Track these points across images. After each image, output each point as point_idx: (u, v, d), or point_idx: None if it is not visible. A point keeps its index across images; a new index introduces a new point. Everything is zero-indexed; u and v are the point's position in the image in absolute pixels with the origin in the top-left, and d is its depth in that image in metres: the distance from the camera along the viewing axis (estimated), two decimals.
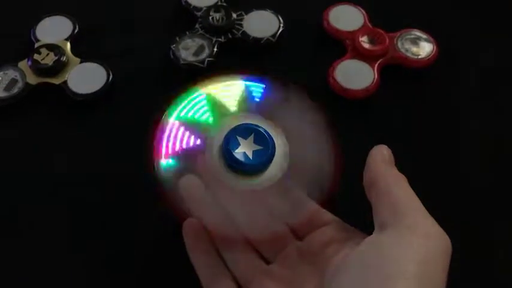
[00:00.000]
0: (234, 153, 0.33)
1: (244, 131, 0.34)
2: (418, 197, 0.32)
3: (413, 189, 0.32)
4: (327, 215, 0.36)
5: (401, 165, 0.34)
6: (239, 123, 0.34)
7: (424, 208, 0.31)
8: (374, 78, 0.47)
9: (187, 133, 0.35)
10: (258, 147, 0.33)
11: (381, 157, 0.34)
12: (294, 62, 0.50)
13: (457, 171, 0.44)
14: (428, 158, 0.45)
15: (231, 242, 0.35)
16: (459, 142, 0.46)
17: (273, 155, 0.34)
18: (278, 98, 0.36)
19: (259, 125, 0.34)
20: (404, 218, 0.30)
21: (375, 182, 0.33)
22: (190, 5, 0.52)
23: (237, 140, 0.33)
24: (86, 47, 0.50)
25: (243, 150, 0.33)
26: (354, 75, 0.48)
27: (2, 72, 0.47)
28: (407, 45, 0.49)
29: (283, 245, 0.36)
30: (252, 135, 0.34)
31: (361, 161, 0.34)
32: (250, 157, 0.33)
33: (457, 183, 0.44)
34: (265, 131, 0.34)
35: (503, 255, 0.41)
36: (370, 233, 0.32)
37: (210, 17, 0.50)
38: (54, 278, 0.39)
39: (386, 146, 0.35)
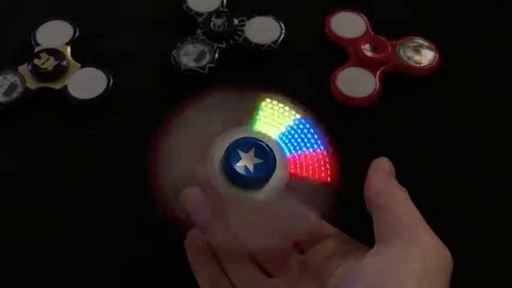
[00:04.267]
0: (235, 167, 0.33)
1: (245, 144, 0.34)
2: (420, 208, 0.31)
3: (415, 199, 0.32)
4: (329, 228, 0.36)
5: (403, 174, 0.34)
6: (240, 137, 0.34)
7: (424, 222, 0.31)
8: (376, 86, 0.47)
9: None
10: (258, 161, 0.33)
11: (381, 170, 0.34)
12: (295, 69, 0.50)
13: (460, 181, 0.44)
14: (430, 166, 0.45)
15: (233, 254, 0.35)
16: (461, 150, 0.46)
17: (274, 168, 0.34)
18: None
19: (260, 138, 0.34)
20: (404, 232, 0.30)
21: (376, 196, 0.33)
22: (191, 10, 0.52)
23: (238, 153, 0.33)
24: (86, 52, 0.49)
25: (244, 163, 0.33)
26: (356, 82, 0.48)
27: (1, 77, 0.47)
28: (410, 53, 0.49)
29: (285, 258, 0.36)
30: (253, 148, 0.34)
31: (362, 170, 0.34)
32: (251, 170, 0.33)
33: (460, 194, 0.44)
34: (266, 144, 0.34)
35: (504, 262, 0.41)
36: (372, 245, 0.31)
37: (212, 23, 0.50)
38: (52, 283, 0.39)
39: (387, 159, 0.35)
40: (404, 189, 0.33)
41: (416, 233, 0.30)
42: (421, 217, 0.31)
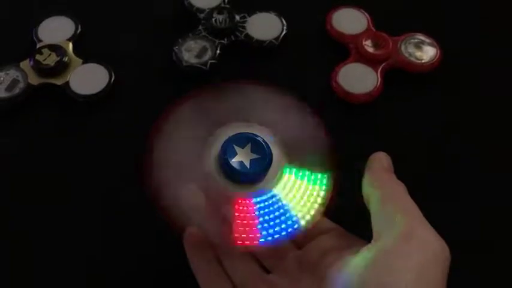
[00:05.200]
0: (231, 163, 0.33)
1: (241, 140, 0.34)
2: (418, 204, 0.31)
3: (414, 195, 0.32)
4: (326, 223, 0.36)
5: (402, 170, 0.34)
6: (236, 132, 0.34)
7: (422, 216, 0.31)
8: (377, 82, 0.47)
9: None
10: (255, 156, 0.33)
11: (379, 164, 0.34)
12: (297, 65, 0.50)
13: (459, 177, 0.44)
14: (430, 162, 0.45)
15: (231, 250, 0.35)
16: (462, 147, 0.46)
17: (270, 163, 0.34)
18: (276, 105, 0.36)
19: (256, 133, 0.34)
20: (401, 226, 0.30)
21: (373, 190, 0.33)
22: (193, 6, 0.52)
23: (234, 149, 0.33)
24: (88, 47, 0.49)
25: (240, 159, 0.33)
26: (357, 79, 0.47)
27: (3, 73, 0.47)
28: (411, 49, 0.49)
29: (283, 254, 0.36)
30: (249, 144, 0.34)
31: (363, 166, 0.34)
32: (248, 166, 0.33)
33: (459, 190, 0.44)
34: (262, 139, 0.34)
35: (504, 262, 0.41)
36: (370, 240, 0.31)
37: (213, 19, 0.50)
38: (51, 282, 0.39)
39: (385, 153, 0.35)
40: (401, 183, 0.33)
41: (413, 227, 0.30)
42: (419, 211, 0.31)
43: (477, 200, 0.43)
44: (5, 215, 0.42)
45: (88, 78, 0.47)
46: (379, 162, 0.34)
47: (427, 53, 0.49)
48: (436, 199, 0.42)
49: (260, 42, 0.50)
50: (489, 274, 0.40)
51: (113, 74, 0.47)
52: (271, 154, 0.34)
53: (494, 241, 0.41)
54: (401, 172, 0.34)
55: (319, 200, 0.34)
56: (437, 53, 0.49)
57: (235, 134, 0.34)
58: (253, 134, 0.34)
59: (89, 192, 0.43)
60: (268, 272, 0.36)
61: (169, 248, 0.39)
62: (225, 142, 0.34)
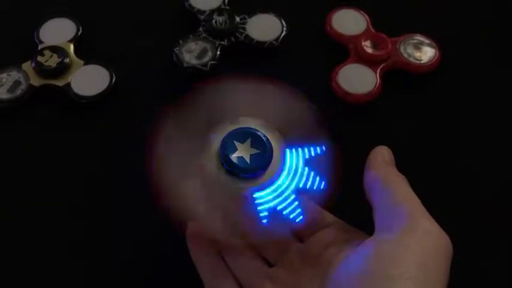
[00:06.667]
0: (231, 158, 0.33)
1: (241, 134, 0.34)
2: (419, 199, 0.32)
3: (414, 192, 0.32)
4: (328, 217, 0.36)
5: (402, 169, 0.34)
6: (236, 127, 0.34)
7: (424, 208, 0.31)
8: (376, 83, 0.47)
9: None
10: (255, 151, 0.33)
11: (381, 157, 0.34)
12: (297, 66, 0.50)
13: (459, 175, 0.44)
14: (430, 162, 0.45)
15: (233, 245, 0.36)
16: (461, 146, 0.46)
17: (270, 158, 0.34)
18: (277, 101, 0.36)
19: (257, 128, 0.34)
20: (403, 219, 0.30)
21: (375, 182, 0.33)
22: (193, 8, 0.52)
23: (234, 144, 0.34)
24: (89, 49, 0.50)
25: (240, 154, 0.33)
26: (357, 79, 0.48)
27: (5, 74, 0.47)
28: (410, 50, 0.49)
29: (285, 247, 0.36)
30: (249, 139, 0.34)
31: (362, 165, 0.34)
32: (248, 161, 0.33)
33: (459, 187, 0.44)
34: (263, 134, 0.34)
35: (506, 256, 0.41)
36: (371, 233, 0.32)
37: (214, 20, 0.50)
38: (52, 281, 0.39)
39: (386, 147, 0.35)
40: (403, 176, 0.33)
41: (415, 219, 0.30)
42: (421, 204, 0.31)
43: (477, 198, 0.43)
44: (5, 215, 0.42)
45: (89, 80, 0.47)
46: (381, 156, 0.34)
47: (426, 53, 0.49)
48: (436, 199, 0.42)
49: (260, 44, 0.50)
50: (490, 273, 0.40)
51: (114, 75, 0.47)
52: (271, 148, 0.34)
53: (494, 239, 0.42)
54: (400, 172, 0.34)
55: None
56: (436, 53, 0.49)
57: (235, 129, 0.34)
58: (253, 129, 0.34)
59: (90, 192, 0.43)
60: (270, 265, 0.36)
61: (172, 245, 0.39)
62: (224, 137, 0.34)
